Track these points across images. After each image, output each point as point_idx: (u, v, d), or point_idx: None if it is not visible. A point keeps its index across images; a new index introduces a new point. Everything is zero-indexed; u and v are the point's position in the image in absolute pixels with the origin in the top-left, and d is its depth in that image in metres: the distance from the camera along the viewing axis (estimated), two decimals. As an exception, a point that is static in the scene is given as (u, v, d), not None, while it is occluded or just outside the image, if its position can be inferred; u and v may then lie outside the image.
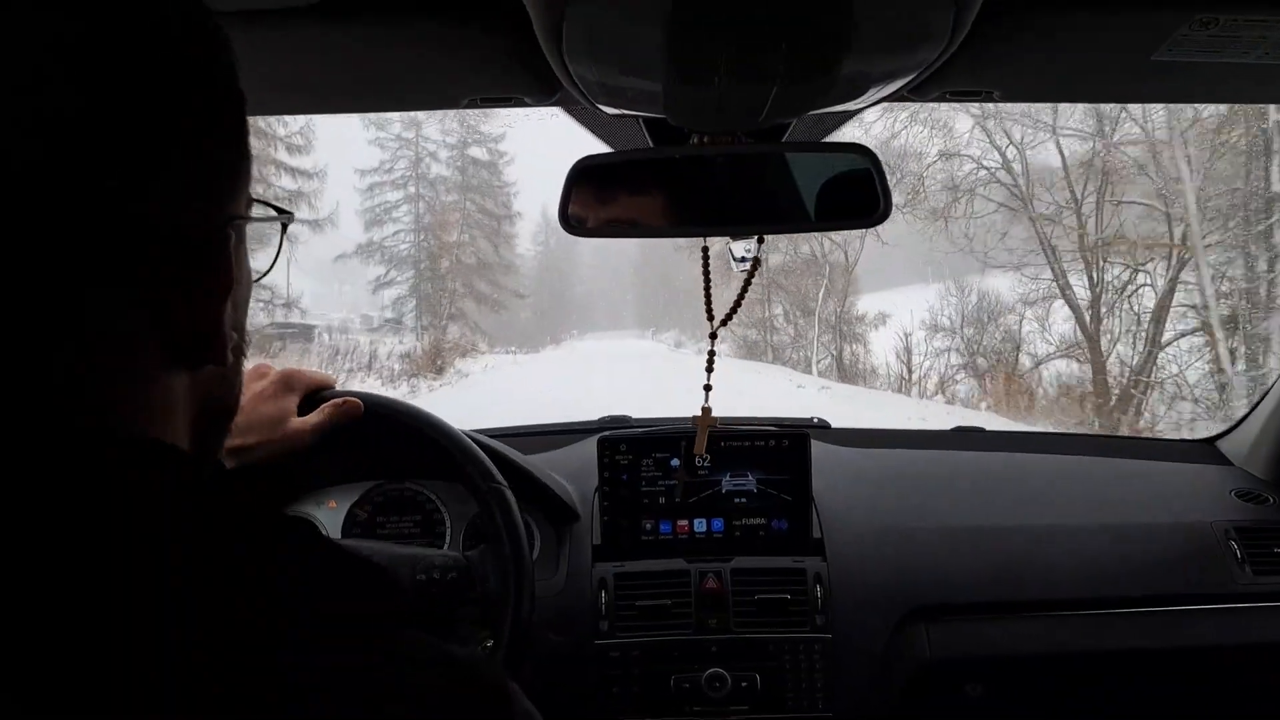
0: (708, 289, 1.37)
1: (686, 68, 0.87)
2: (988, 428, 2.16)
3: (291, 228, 0.71)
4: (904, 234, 17.05)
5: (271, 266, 0.74)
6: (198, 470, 0.51)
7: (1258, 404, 1.92)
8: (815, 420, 2.07)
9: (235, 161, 0.57)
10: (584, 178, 1.14)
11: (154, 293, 0.50)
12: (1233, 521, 1.72)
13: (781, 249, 20.89)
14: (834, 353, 20.95)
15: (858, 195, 1.12)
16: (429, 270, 32.60)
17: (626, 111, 1.07)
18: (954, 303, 17.30)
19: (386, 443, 1.44)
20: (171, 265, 0.50)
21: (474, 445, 1.34)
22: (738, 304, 1.35)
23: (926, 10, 0.78)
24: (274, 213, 0.67)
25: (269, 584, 0.46)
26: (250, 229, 0.61)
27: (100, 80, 0.47)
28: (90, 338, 0.48)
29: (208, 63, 0.54)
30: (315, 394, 1.26)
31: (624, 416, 2.03)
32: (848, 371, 20.13)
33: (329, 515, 1.59)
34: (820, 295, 21.40)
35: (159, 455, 0.49)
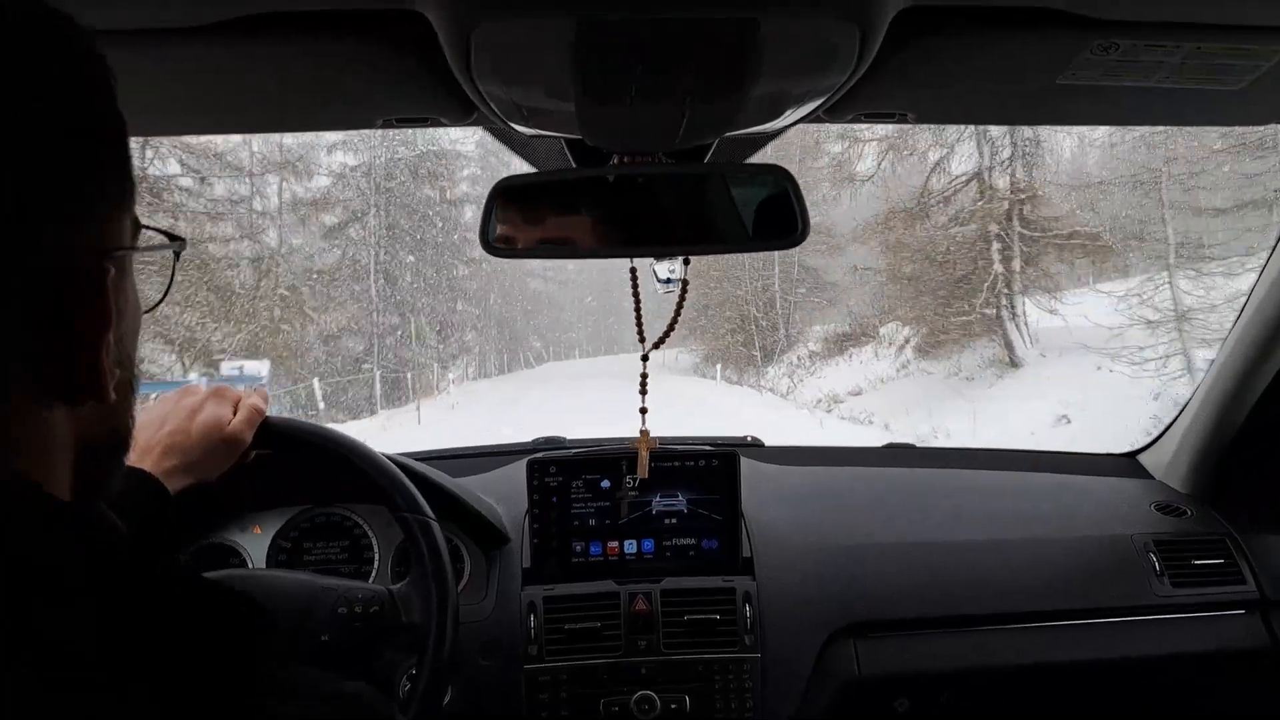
0: (638, 310, 1.38)
1: (595, 89, 0.88)
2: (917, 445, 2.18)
3: None
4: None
5: (164, 297, 0.71)
6: (61, 512, 0.49)
7: (1176, 418, 1.97)
8: (749, 439, 2.08)
9: (116, 190, 0.55)
10: (505, 198, 1.14)
11: (27, 328, 0.48)
12: (1152, 534, 1.76)
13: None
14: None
15: (777, 217, 1.14)
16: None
17: (544, 132, 1.07)
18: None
19: (314, 468, 1.43)
20: (45, 300, 0.49)
21: (399, 473, 1.33)
22: (671, 326, 1.36)
23: (833, 36, 0.79)
24: (165, 240, 0.65)
25: (131, 627, 0.45)
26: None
27: None
28: None
29: (81, 89, 0.52)
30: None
31: (558, 437, 2.02)
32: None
33: (254, 541, 1.55)
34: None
35: (21, 496, 0.47)
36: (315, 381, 20.44)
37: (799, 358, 23.00)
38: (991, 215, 16.45)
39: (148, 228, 0.61)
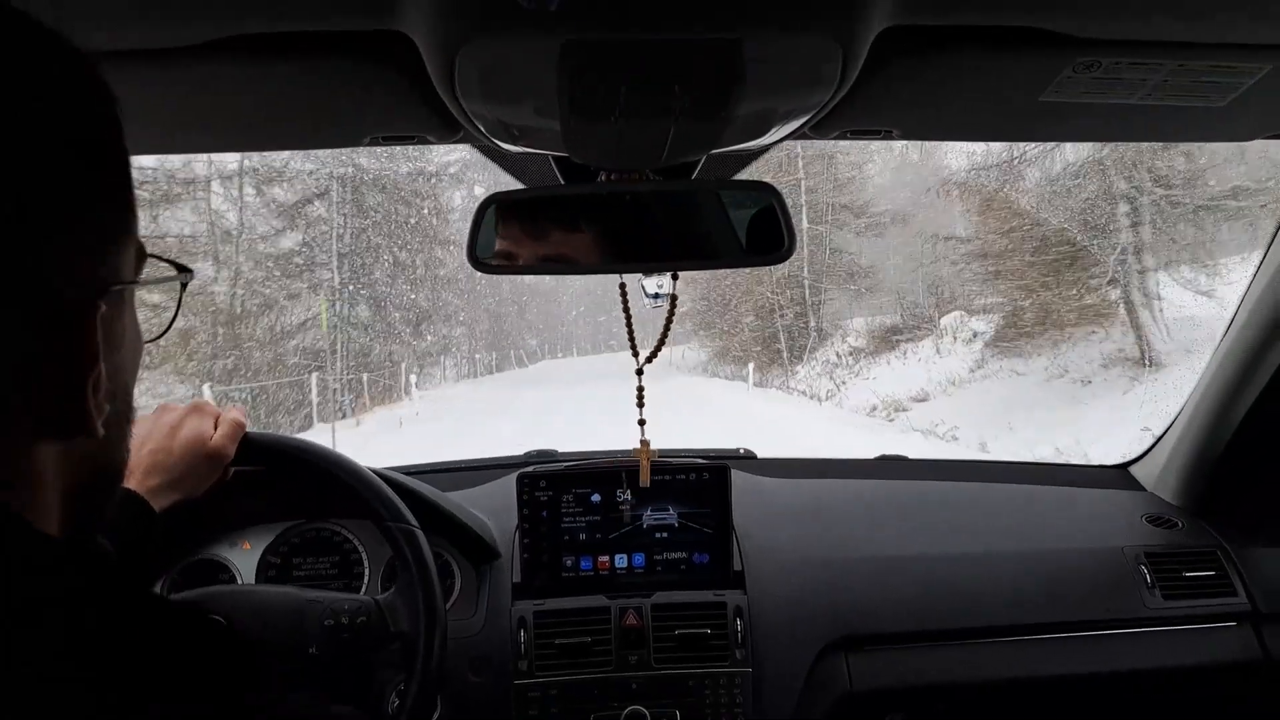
0: (629, 325, 1.38)
1: (580, 109, 0.88)
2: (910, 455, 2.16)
3: None
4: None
5: (167, 329, 0.70)
6: (47, 548, 0.48)
7: (1167, 430, 1.97)
8: (741, 451, 2.07)
9: (114, 224, 0.54)
10: (492, 214, 1.14)
11: (18, 360, 0.48)
12: (1143, 546, 1.76)
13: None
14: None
15: (764, 232, 1.14)
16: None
17: (530, 150, 1.07)
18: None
19: (300, 483, 1.43)
20: (35, 333, 0.48)
21: (383, 484, 1.32)
22: (662, 341, 1.36)
23: (817, 56, 0.79)
24: (171, 270, 0.64)
25: (115, 663, 0.45)
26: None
27: None
28: None
29: (85, 123, 0.51)
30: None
31: (550, 450, 2.01)
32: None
33: (243, 557, 1.55)
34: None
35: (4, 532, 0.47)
36: (206, 387, 17.23)
37: (838, 354, 19.91)
38: (1118, 168, 12.60)
39: (155, 257, 0.60)
